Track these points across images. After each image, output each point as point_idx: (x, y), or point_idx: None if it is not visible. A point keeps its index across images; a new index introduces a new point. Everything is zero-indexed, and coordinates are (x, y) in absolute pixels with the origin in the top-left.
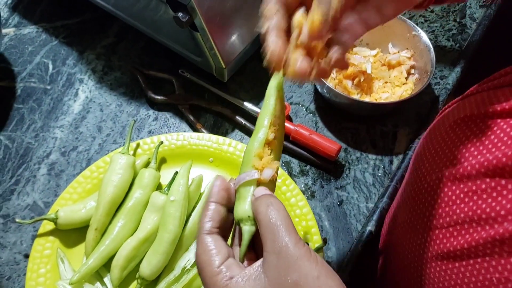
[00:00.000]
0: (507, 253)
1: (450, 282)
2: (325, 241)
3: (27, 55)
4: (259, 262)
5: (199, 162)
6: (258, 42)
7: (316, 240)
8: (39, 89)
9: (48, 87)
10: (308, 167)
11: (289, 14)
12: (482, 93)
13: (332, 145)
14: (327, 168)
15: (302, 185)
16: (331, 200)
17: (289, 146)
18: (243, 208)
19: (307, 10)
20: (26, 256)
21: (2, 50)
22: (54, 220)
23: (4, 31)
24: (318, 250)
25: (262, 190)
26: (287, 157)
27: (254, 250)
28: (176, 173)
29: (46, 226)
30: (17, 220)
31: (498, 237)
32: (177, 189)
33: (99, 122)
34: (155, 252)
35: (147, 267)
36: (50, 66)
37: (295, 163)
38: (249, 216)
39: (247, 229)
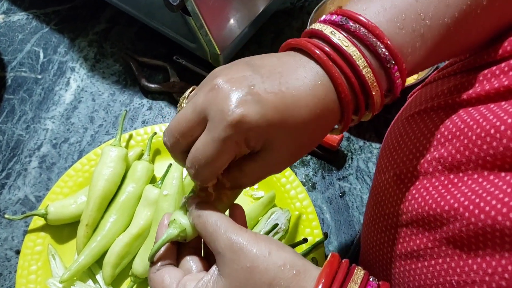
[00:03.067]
0: (466, 254)
1: (414, 283)
2: (325, 235)
3: (17, 43)
4: (213, 267)
5: None
6: (256, 25)
7: (316, 234)
8: (30, 79)
9: (39, 77)
10: (309, 157)
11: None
12: (437, 82)
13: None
14: (328, 158)
15: (303, 176)
16: (333, 191)
17: None
18: (173, 215)
19: None
20: (18, 252)
21: None
22: (44, 216)
23: None
24: (319, 244)
25: (191, 200)
26: None
27: (208, 260)
28: (170, 165)
29: (37, 221)
30: (6, 216)
31: (455, 236)
32: (171, 182)
33: (91, 112)
34: (149, 249)
35: (140, 264)
36: (41, 55)
37: None
38: (174, 219)
39: (169, 231)
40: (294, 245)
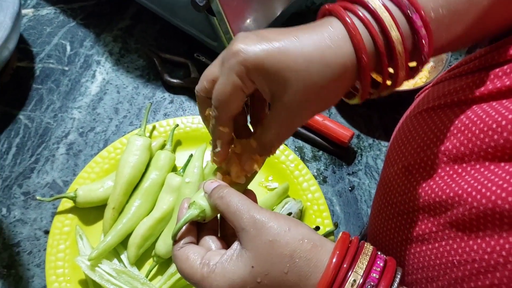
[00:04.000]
0: (467, 236)
1: (419, 264)
2: (336, 225)
3: (45, 36)
4: (235, 243)
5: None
6: (274, 26)
7: (327, 224)
8: (57, 70)
9: (66, 68)
10: (320, 152)
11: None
12: (444, 82)
13: (345, 132)
14: (339, 154)
15: (314, 170)
16: (342, 185)
17: (302, 132)
18: (193, 197)
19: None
20: (46, 232)
21: (21, 31)
22: (73, 199)
23: (23, 11)
24: (329, 234)
25: (210, 184)
26: (300, 142)
27: (224, 240)
28: (191, 155)
29: (65, 204)
30: (37, 197)
31: (458, 220)
32: (192, 171)
33: (116, 103)
34: (171, 232)
35: (163, 246)
36: (68, 48)
37: (308, 148)
38: (194, 201)
39: (189, 211)
40: None
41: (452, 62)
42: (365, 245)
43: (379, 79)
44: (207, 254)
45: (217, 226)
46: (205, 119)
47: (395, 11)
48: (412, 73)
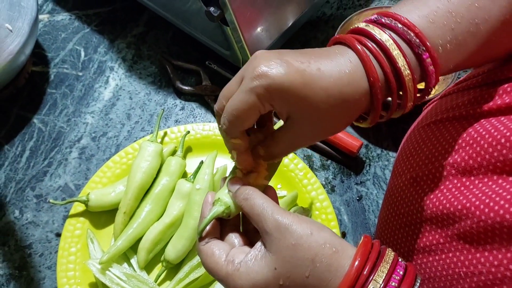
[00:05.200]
0: (474, 248)
1: (425, 275)
2: (343, 234)
3: (60, 41)
4: (258, 243)
5: (223, 152)
6: (285, 36)
7: None
8: (71, 75)
9: (80, 74)
10: (329, 161)
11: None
12: (452, 95)
13: (354, 141)
14: (347, 163)
15: (323, 179)
16: (350, 195)
17: None
18: (217, 194)
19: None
20: (58, 235)
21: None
22: (86, 202)
23: (38, 17)
24: None
25: (234, 183)
26: (309, 151)
27: (246, 235)
28: (202, 162)
29: (77, 207)
30: (50, 200)
31: (466, 233)
32: (203, 178)
33: (128, 109)
34: (180, 237)
35: (172, 251)
36: (82, 53)
37: (316, 157)
38: (219, 198)
39: (215, 208)
40: None
41: (461, 74)
42: (387, 251)
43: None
44: (232, 251)
45: (239, 221)
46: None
47: (406, 49)
48: (419, 99)
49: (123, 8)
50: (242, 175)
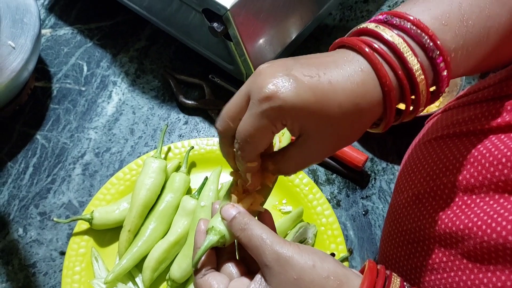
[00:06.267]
0: (477, 268)
1: None
2: (350, 251)
3: (63, 56)
4: (258, 276)
5: (228, 167)
6: (289, 50)
7: (341, 250)
8: (74, 90)
9: (83, 89)
10: (334, 175)
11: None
12: (452, 110)
13: (359, 156)
14: (353, 177)
15: (328, 194)
16: (356, 209)
17: None
18: (211, 222)
19: None
20: (62, 253)
21: None
22: (90, 221)
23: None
24: (343, 260)
25: (228, 210)
26: (314, 165)
27: (244, 262)
28: (206, 178)
29: (81, 225)
30: (54, 219)
31: (470, 253)
32: (208, 194)
33: (132, 124)
34: (185, 256)
35: (177, 270)
36: (85, 68)
37: (321, 171)
38: (213, 227)
39: (209, 238)
40: None
41: (466, 86)
42: (393, 278)
43: (400, 106)
44: (231, 284)
45: (235, 248)
46: (228, 155)
47: (419, 52)
48: (433, 99)
49: (125, 22)
50: (237, 200)
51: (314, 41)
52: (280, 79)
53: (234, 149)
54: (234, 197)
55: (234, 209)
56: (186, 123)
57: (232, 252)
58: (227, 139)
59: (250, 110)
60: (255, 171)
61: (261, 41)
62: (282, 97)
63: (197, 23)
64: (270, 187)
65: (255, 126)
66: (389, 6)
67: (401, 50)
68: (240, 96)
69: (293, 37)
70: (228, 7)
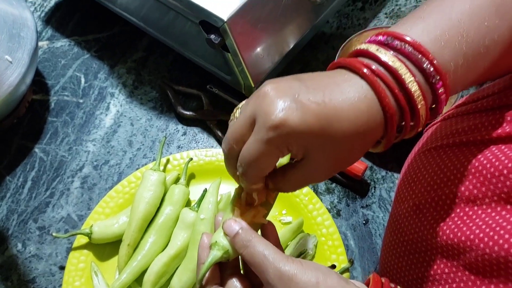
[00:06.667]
0: (480, 280)
1: None
2: (351, 262)
3: (60, 68)
4: None
5: (227, 179)
6: (287, 59)
7: (342, 260)
8: (72, 103)
9: (81, 101)
10: (334, 185)
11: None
12: (451, 119)
13: (358, 165)
14: (352, 186)
15: (328, 203)
16: (356, 219)
17: None
18: (214, 237)
19: None
20: (61, 268)
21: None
22: (89, 235)
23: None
24: (344, 271)
25: (230, 226)
26: None
27: (248, 276)
28: (206, 190)
29: (80, 239)
30: (53, 234)
31: (472, 264)
32: (207, 207)
33: (130, 136)
34: (186, 269)
35: (178, 284)
36: (82, 80)
37: None
38: (216, 242)
39: (213, 253)
40: None
41: (465, 93)
42: None
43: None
44: None
45: (239, 261)
46: (234, 175)
47: (420, 78)
48: (431, 117)
49: (122, 33)
50: (240, 213)
51: (311, 49)
52: (287, 106)
53: (238, 173)
54: (237, 210)
55: (237, 225)
56: (184, 134)
57: (236, 266)
58: (233, 161)
59: (256, 136)
60: (259, 191)
61: (258, 51)
62: (290, 126)
63: (194, 34)
64: (271, 203)
65: (260, 151)
66: (385, 14)
67: (402, 76)
68: (244, 118)
69: (291, 46)
70: (225, 18)
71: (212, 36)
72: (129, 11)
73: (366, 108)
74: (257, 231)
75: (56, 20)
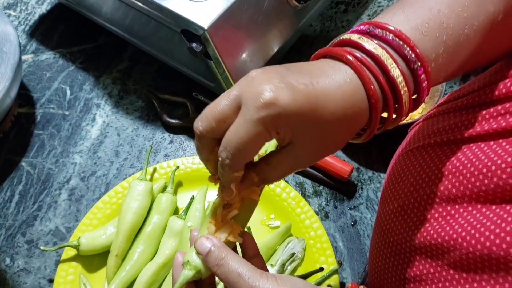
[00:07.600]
0: (464, 279)
1: None
2: (340, 263)
3: (45, 81)
4: None
5: (214, 186)
6: (270, 64)
7: (331, 263)
8: (58, 115)
9: (67, 113)
10: (321, 187)
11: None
12: (433, 118)
13: (344, 167)
14: (340, 188)
15: (316, 206)
16: (344, 220)
17: None
18: (186, 255)
19: None
20: (50, 281)
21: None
22: (77, 247)
23: (22, 57)
24: (333, 273)
25: (202, 244)
26: (301, 178)
27: None
28: (193, 197)
29: (69, 252)
30: (41, 247)
31: (457, 263)
32: (194, 214)
33: (116, 146)
34: None
35: None
36: (68, 92)
37: (308, 183)
38: (188, 261)
39: (184, 273)
40: (311, 274)
41: (448, 90)
42: None
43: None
44: None
45: (214, 278)
46: (208, 161)
47: (402, 64)
48: (414, 107)
49: (107, 44)
50: (214, 231)
51: (295, 53)
52: (277, 86)
53: (220, 158)
54: (211, 227)
55: (209, 242)
56: (171, 142)
57: (212, 283)
58: (208, 143)
59: (243, 116)
60: (238, 181)
61: (242, 57)
62: (281, 105)
63: (176, 43)
64: (256, 201)
65: (249, 133)
66: (368, 15)
67: (385, 62)
68: (228, 98)
69: (275, 51)
70: (206, 27)
71: (194, 45)
72: (112, 23)
73: (352, 91)
74: (233, 245)
75: (40, 33)
